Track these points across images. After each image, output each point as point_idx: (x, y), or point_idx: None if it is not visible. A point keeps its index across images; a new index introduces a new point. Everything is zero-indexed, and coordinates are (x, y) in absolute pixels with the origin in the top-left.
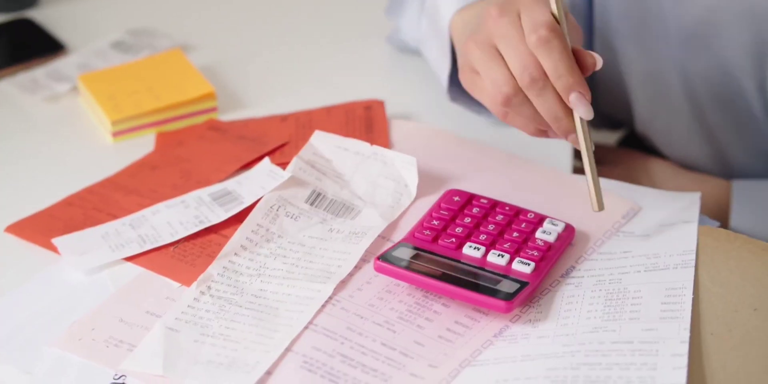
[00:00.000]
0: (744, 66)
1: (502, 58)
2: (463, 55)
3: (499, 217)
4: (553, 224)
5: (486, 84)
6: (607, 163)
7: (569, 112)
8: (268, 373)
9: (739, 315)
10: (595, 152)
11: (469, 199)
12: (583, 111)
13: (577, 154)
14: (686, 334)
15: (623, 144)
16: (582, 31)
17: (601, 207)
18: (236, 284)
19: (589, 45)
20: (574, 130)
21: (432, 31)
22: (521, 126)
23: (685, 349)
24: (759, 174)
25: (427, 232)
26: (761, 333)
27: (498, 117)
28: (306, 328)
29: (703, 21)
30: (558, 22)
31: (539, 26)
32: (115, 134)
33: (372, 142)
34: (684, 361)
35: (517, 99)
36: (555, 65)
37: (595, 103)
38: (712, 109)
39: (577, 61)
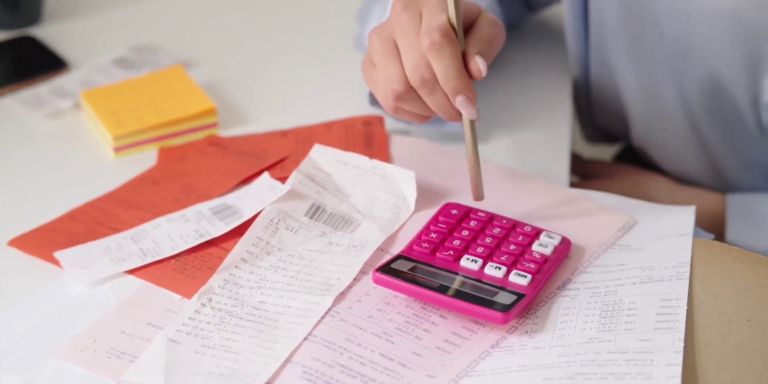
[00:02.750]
0: (737, 81)
1: (399, 53)
2: (368, 45)
3: (496, 230)
4: (550, 237)
5: (380, 78)
6: (604, 177)
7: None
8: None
9: (732, 325)
10: (592, 167)
11: (467, 212)
12: (467, 113)
13: (573, 169)
14: (680, 344)
15: (620, 158)
16: (504, 29)
17: (482, 196)
18: (237, 296)
19: (585, 60)
20: (461, 118)
21: None
22: (410, 119)
23: (679, 358)
24: (754, 188)
25: (425, 244)
26: (755, 343)
27: (387, 111)
28: (305, 339)
29: (699, 37)
30: (454, 28)
31: (433, 30)
32: (117, 149)
33: (372, 157)
34: (678, 370)
35: (407, 96)
36: (445, 70)
37: (591, 118)
38: (707, 123)
39: (467, 66)
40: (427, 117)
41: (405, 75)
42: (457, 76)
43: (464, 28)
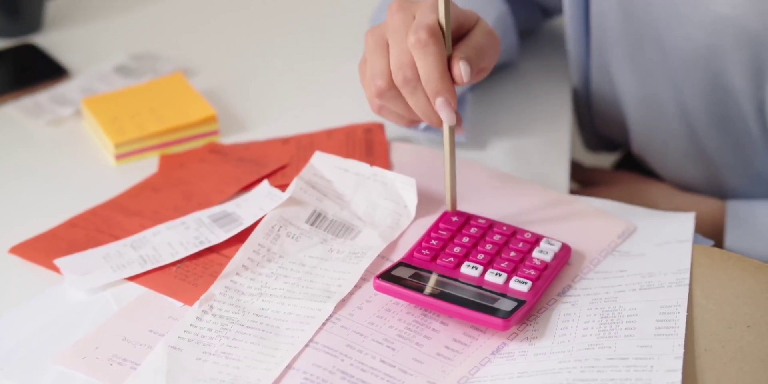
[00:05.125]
0: (742, 88)
1: (389, 51)
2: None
3: (497, 237)
4: (550, 244)
5: (367, 74)
6: (603, 184)
7: None
8: None
9: (732, 331)
10: (592, 174)
11: (467, 219)
12: (446, 116)
13: (573, 177)
14: (680, 350)
15: (620, 166)
16: (499, 41)
17: (454, 207)
18: (238, 303)
19: (586, 67)
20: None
21: None
22: (395, 119)
23: (679, 364)
24: (753, 195)
25: (426, 251)
26: (754, 349)
27: (373, 110)
28: (307, 345)
29: (701, 44)
30: (442, 30)
31: (421, 28)
32: (118, 157)
33: (372, 164)
34: (678, 376)
35: (390, 93)
36: (427, 69)
37: (591, 125)
38: (707, 131)
39: (451, 69)
40: (412, 121)
41: (390, 72)
42: (439, 77)
43: (458, 36)
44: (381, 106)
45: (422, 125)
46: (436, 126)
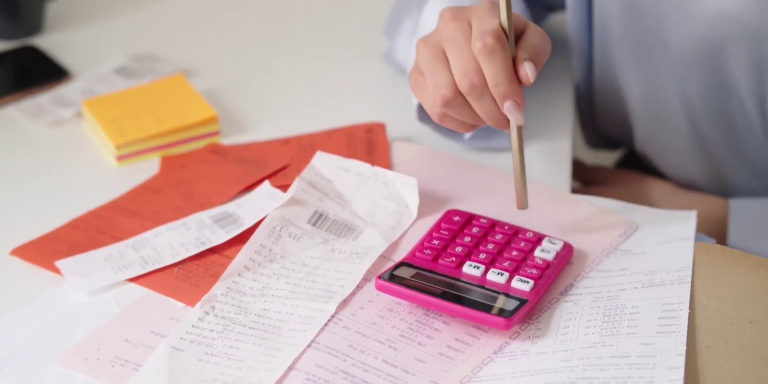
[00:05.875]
0: (744, 83)
1: (447, 61)
2: (416, 55)
3: (499, 237)
4: (552, 243)
5: (428, 85)
6: (606, 182)
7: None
8: None
9: (734, 328)
10: (594, 173)
11: (469, 218)
12: (515, 119)
13: (575, 175)
14: (682, 348)
15: (622, 164)
16: (550, 40)
17: (526, 205)
18: (240, 304)
19: (589, 64)
20: (508, 125)
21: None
22: (457, 127)
23: (681, 362)
24: (756, 192)
25: (428, 251)
26: (756, 345)
27: (434, 118)
28: (309, 346)
29: (703, 40)
30: (506, 33)
31: (486, 34)
32: (120, 158)
33: (373, 164)
34: (680, 373)
35: (456, 102)
36: (495, 74)
37: (594, 123)
38: (710, 128)
39: (517, 71)
40: (473, 126)
41: (454, 81)
42: (507, 81)
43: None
44: (443, 114)
45: (467, 135)
46: (502, 128)
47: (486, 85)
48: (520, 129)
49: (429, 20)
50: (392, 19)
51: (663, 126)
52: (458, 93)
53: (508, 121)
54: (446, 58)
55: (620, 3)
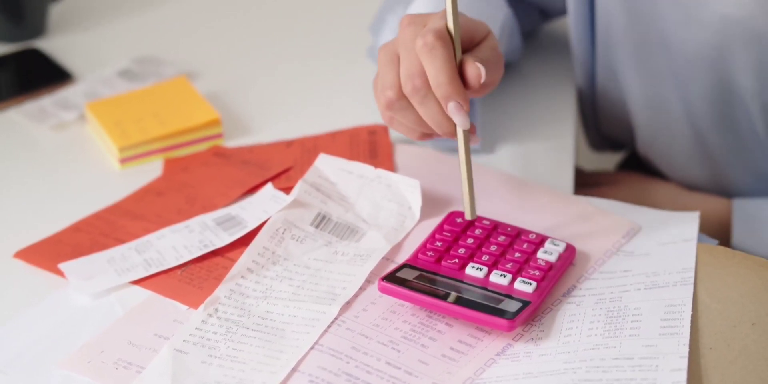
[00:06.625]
0: (748, 87)
1: (399, 65)
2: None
3: (501, 238)
4: (555, 244)
5: (378, 87)
6: (608, 184)
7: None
8: None
9: (737, 330)
10: (597, 175)
11: (471, 220)
12: (459, 121)
13: (576, 181)
14: (685, 350)
15: (625, 164)
16: (503, 60)
17: (473, 215)
18: (243, 306)
19: (591, 68)
20: (455, 134)
21: None
22: (406, 132)
23: (684, 364)
24: (758, 195)
25: (431, 253)
26: (759, 347)
27: (384, 121)
28: (312, 348)
29: (707, 44)
30: (450, 35)
31: (428, 32)
32: (123, 161)
33: (376, 166)
34: (683, 375)
35: (399, 104)
36: (436, 73)
37: (596, 125)
38: (713, 131)
39: (464, 72)
40: (424, 134)
41: (399, 83)
42: (449, 81)
43: (468, 48)
44: (392, 118)
45: None
46: (448, 136)
47: (429, 87)
48: (466, 133)
49: None
50: (378, 17)
51: (665, 130)
52: (402, 95)
53: (454, 129)
54: (399, 62)
55: (623, 7)
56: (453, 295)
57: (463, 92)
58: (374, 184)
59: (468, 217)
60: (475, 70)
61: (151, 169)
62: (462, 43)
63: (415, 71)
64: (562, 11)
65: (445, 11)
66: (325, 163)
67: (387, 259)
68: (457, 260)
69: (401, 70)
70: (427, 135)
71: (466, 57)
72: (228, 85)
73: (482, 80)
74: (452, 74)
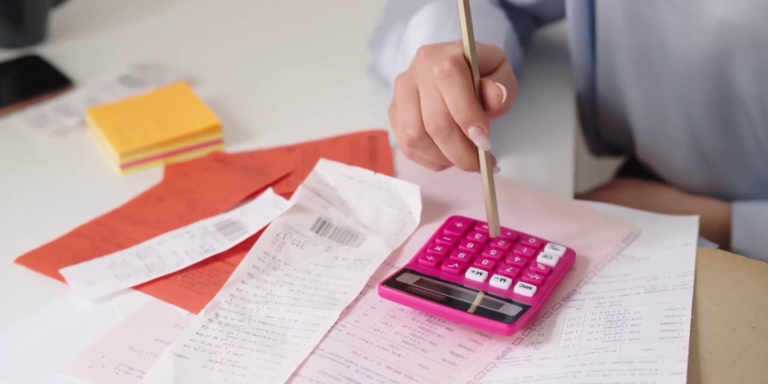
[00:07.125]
0: (749, 92)
1: (419, 99)
2: (394, 91)
3: (501, 243)
4: (554, 249)
5: (398, 122)
6: (609, 188)
7: (472, 149)
8: None
9: (737, 333)
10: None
11: (472, 225)
12: (481, 144)
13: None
14: (685, 353)
15: (624, 170)
16: (517, 84)
17: (497, 233)
18: (243, 311)
19: (591, 74)
20: (477, 167)
21: (401, 69)
22: (426, 165)
23: (684, 367)
24: (757, 199)
25: (431, 257)
26: (759, 350)
27: (404, 155)
28: (312, 353)
29: (707, 50)
30: (467, 60)
31: (444, 59)
32: (124, 166)
33: (376, 171)
34: (683, 379)
35: (422, 143)
36: (455, 100)
37: (596, 131)
38: (712, 136)
39: (484, 93)
40: (444, 166)
41: (421, 121)
42: (467, 106)
43: (484, 74)
44: (412, 153)
45: None
46: (470, 170)
47: (453, 126)
48: (488, 155)
49: (412, 38)
50: (377, 34)
51: (664, 135)
52: (424, 134)
53: (476, 163)
54: (419, 96)
55: (623, 13)
56: (453, 299)
57: (483, 116)
58: (374, 189)
59: (492, 235)
60: (496, 90)
61: (152, 175)
62: (479, 70)
63: (437, 110)
64: (555, 17)
65: (461, 39)
66: (325, 169)
67: (387, 263)
68: (457, 265)
69: (423, 108)
70: (446, 166)
71: (484, 79)
72: (228, 90)
73: (503, 100)
74: (471, 99)
